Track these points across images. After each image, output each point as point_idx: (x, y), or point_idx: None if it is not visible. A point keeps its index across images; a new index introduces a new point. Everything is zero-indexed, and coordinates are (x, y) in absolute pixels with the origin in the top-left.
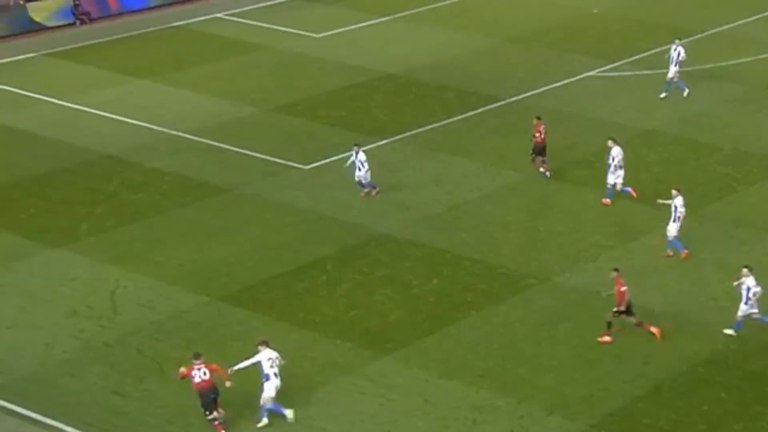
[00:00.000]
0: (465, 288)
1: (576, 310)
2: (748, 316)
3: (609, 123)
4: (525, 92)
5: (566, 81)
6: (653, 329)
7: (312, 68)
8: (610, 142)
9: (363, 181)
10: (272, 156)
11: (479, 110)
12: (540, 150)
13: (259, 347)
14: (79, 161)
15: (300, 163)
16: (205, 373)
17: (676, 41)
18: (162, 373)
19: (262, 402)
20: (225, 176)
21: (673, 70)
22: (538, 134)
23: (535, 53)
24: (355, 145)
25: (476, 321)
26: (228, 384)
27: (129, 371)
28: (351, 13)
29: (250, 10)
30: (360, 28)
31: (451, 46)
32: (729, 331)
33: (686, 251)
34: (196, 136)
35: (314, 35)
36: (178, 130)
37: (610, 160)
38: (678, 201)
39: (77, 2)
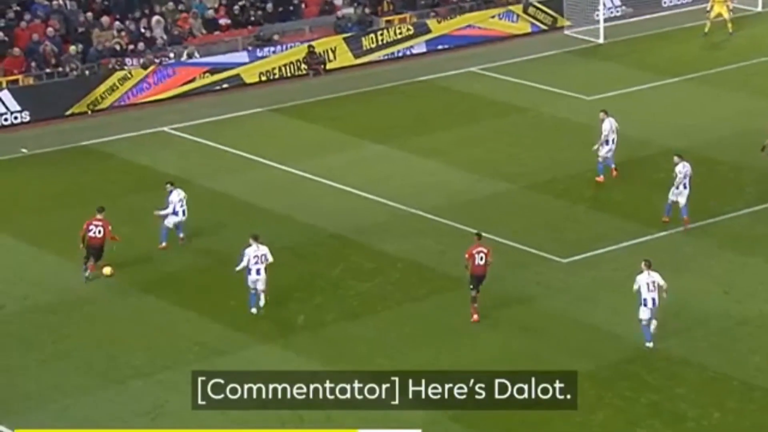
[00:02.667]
0: (754, 426)
1: None
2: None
3: None
4: None
5: None
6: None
7: (579, 137)
8: (602, 114)
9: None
10: (524, 244)
11: None
12: None
13: (250, 240)
14: (300, 240)
15: (557, 255)
16: (99, 231)
17: None
18: None
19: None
20: None
21: None
22: None
23: None
24: (169, 183)
25: None
26: (114, 247)
27: None
28: (631, 72)
29: (511, 64)
30: (641, 90)
31: (757, 115)
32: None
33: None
34: (438, 215)
35: (584, 97)
36: (417, 208)
37: (601, 136)
38: (680, 168)
39: (312, 49)
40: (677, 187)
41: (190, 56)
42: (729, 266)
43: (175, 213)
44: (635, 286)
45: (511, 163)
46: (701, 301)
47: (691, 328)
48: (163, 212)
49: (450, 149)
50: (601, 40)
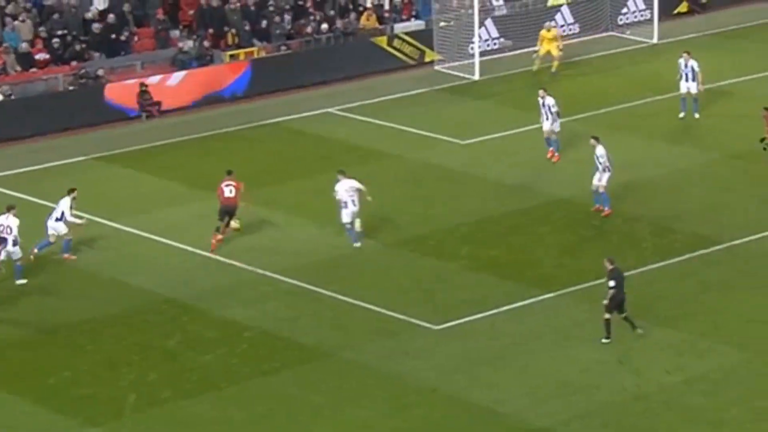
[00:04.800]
0: None
1: None
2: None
3: None
4: (753, 233)
5: None
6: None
7: (453, 187)
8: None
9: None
10: (390, 309)
11: (685, 256)
12: None
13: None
14: (131, 307)
15: (428, 322)
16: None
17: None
18: None
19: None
20: (326, 335)
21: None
22: None
23: None
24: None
25: None
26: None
27: None
28: (510, 112)
29: (374, 103)
30: (521, 133)
31: (651, 161)
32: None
33: (609, 209)
34: (290, 277)
35: (458, 141)
36: (266, 268)
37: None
38: (599, 151)
39: (145, 88)
40: (604, 170)
41: (5, 96)
42: (624, 332)
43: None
44: (335, 194)
45: (374, 216)
46: (592, 372)
47: (580, 404)
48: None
49: (304, 201)
50: (476, 77)
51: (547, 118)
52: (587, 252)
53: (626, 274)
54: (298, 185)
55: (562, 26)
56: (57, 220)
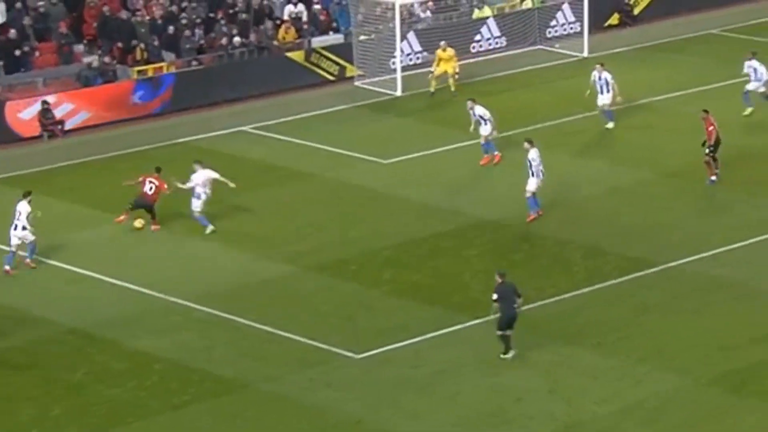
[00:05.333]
0: None
1: None
2: None
3: None
4: (688, 255)
5: (752, 240)
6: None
7: (375, 209)
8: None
9: None
10: (309, 338)
11: (618, 280)
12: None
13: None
14: (32, 337)
15: (350, 351)
16: None
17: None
18: None
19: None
20: (242, 366)
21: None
22: (712, 127)
23: (704, 196)
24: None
25: None
26: None
27: None
28: (433, 129)
29: (291, 121)
30: (445, 151)
31: (581, 180)
32: None
33: (535, 214)
34: (203, 304)
35: (380, 160)
36: (177, 296)
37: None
38: (530, 155)
39: (47, 106)
40: (536, 176)
41: None
42: (555, 358)
43: None
44: (190, 182)
45: (292, 240)
46: (523, 402)
47: None
48: None
49: (217, 224)
50: (398, 92)
51: (484, 124)
52: (516, 276)
53: (557, 298)
54: (209, 208)
55: (489, 40)
56: (24, 228)
